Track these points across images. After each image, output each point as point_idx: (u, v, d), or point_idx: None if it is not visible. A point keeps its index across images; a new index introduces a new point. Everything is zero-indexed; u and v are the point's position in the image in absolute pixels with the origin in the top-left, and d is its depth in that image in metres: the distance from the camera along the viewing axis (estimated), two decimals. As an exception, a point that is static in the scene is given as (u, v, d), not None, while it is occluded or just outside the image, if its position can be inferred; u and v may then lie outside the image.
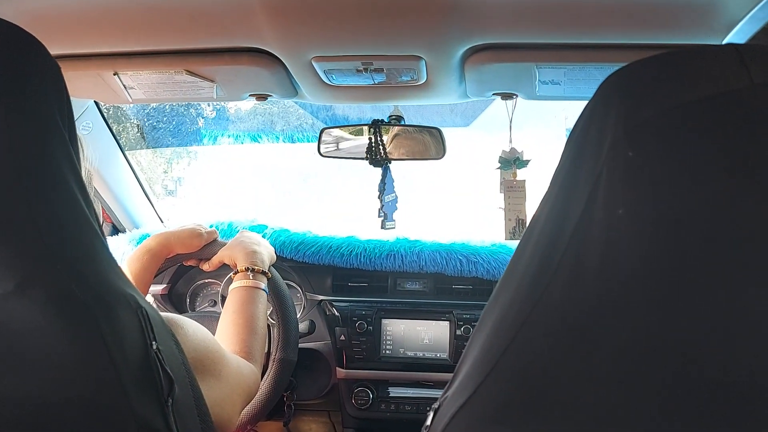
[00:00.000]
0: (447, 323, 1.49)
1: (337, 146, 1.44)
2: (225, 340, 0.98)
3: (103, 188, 1.61)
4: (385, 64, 1.03)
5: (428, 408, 1.40)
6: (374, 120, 1.35)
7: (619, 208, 0.36)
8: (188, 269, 1.54)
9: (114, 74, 1.09)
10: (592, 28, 0.89)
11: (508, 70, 1.04)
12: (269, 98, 1.25)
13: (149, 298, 1.47)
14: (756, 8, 0.77)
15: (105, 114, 1.57)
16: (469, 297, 1.54)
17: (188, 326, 0.74)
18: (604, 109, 0.40)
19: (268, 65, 1.05)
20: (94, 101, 1.48)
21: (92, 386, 0.48)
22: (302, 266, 1.57)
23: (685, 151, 0.34)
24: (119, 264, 0.56)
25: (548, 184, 0.44)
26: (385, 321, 1.50)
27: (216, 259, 1.21)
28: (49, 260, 0.48)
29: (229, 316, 1.03)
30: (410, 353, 1.49)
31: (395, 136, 1.40)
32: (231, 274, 1.15)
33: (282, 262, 1.52)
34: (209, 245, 1.24)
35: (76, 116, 0.68)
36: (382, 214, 1.42)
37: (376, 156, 1.37)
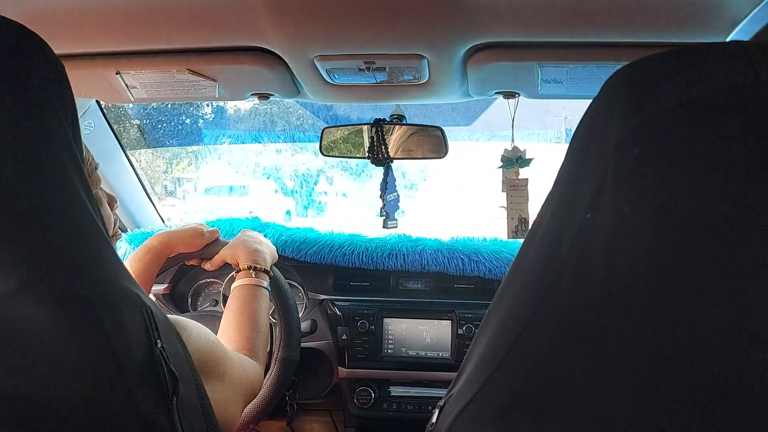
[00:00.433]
0: (449, 322, 1.48)
1: (339, 145, 1.44)
2: (228, 338, 0.98)
3: (105, 188, 1.61)
4: (388, 63, 1.03)
5: (431, 407, 1.40)
6: (376, 119, 1.35)
7: (625, 205, 0.36)
8: (190, 269, 1.54)
9: (116, 73, 1.09)
10: (595, 27, 0.89)
11: (511, 69, 1.04)
12: (271, 97, 1.25)
13: (151, 298, 1.47)
14: (759, 7, 0.77)
15: (106, 114, 1.57)
16: (471, 296, 1.53)
17: (192, 328, 0.74)
18: (609, 106, 0.40)
19: (270, 64, 1.05)
20: (96, 101, 1.48)
21: (97, 385, 0.48)
22: (304, 265, 1.57)
23: (691, 148, 0.34)
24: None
25: (552, 183, 0.44)
26: (386, 320, 1.50)
27: (218, 259, 1.21)
28: (53, 259, 0.48)
29: (231, 313, 1.03)
30: (412, 352, 1.49)
31: (397, 135, 1.40)
32: (233, 273, 1.15)
33: (284, 261, 1.51)
34: (211, 244, 1.24)
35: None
36: (384, 213, 1.42)
37: (378, 155, 1.37)
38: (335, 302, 1.53)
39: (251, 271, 1.11)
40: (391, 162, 1.40)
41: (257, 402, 1.19)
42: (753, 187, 0.32)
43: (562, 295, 0.38)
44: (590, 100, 0.42)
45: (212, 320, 1.28)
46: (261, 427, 1.61)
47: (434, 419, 0.48)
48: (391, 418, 1.50)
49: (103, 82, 1.13)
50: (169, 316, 0.68)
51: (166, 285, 1.53)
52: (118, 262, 0.54)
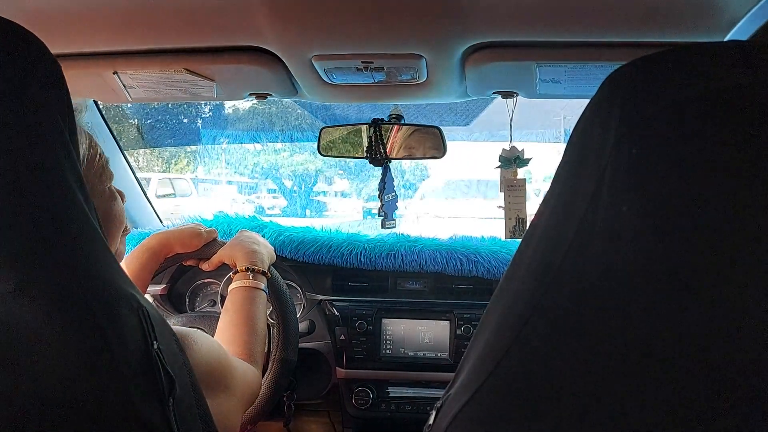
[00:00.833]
0: (447, 323, 1.48)
1: (337, 145, 1.44)
2: (226, 341, 0.97)
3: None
4: (386, 62, 1.03)
5: (429, 407, 1.40)
6: (374, 119, 1.35)
7: (623, 205, 0.35)
8: (187, 269, 1.54)
9: (113, 73, 1.09)
10: (593, 27, 0.89)
11: (509, 69, 1.04)
12: (269, 97, 1.25)
13: (148, 298, 1.47)
14: (756, 6, 0.77)
15: (104, 113, 1.56)
16: (470, 296, 1.53)
17: (200, 340, 0.74)
18: (608, 106, 0.40)
19: (268, 64, 1.05)
20: (94, 101, 1.47)
21: (93, 385, 0.48)
22: (302, 266, 1.57)
23: (689, 148, 0.34)
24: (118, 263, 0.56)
25: (550, 183, 0.44)
26: (385, 321, 1.50)
27: (216, 259, 1.21)
28: (50, 260, 0.47)
29: (229, 316, 1.03)
30: (410, 353, 1.49)
31: (395, 135, 1.40)
32: (231, 273, 1.15)
33: (282, 261, 1.51)
34: (209, 245, 1.24)
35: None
36: (383, 213, 1.42)
37: (376, 155, 1.37)
38: (333, 302, 1.53)
39: (249, 273, 1.11)
40: (390, 162, 1.39)
41: (255, 403, 1.19)
42: (751, 186, 0.32)
43: (559, 294, 0.38)
44: (588, 100, 0.42)
45: (210, 321, 1.28)
46: (259, 428, 1.60)
47: (431, 420, 0.48)
48: (389, 418, 1.50)
49: (101, 82, 1.13)
50: (177, 327, 0.69)
51: (164, 285, 1.53)
52: (115, 263, 0.54)
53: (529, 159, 1.25)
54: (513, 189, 1.24)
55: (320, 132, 1.44)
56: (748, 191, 0.32)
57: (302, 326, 1.45)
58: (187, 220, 1.67)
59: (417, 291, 1.58)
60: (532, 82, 1.07)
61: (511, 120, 1.22)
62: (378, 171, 1.44)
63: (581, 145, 0.41)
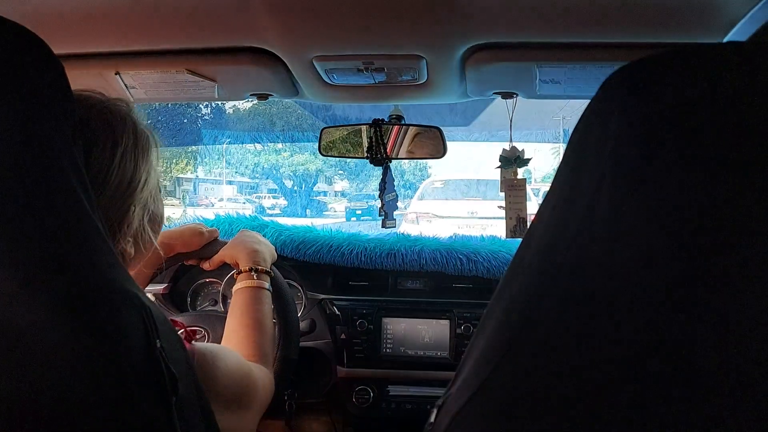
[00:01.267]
0: (447, 322, 1.49)
1: (338, 145, 1.44)
2: (237, 343, 0.98)
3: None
4: (386, 63, 1.03)
5: (429, 406, 1.40)
6: (374, 119, 1.36)
7: (623, 205, 0.36)
8: (189, 268, 1.54)
9: (116, 74, 1.09)
10: (593, 28, 0.90)
11: (509, 70, 1.04)
12: (270, 98, 1.25)
13: (149, 297, 1.47)
14: (756, 7, 0.77)
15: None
16: (470, 296, 1.54)
17: (228, 359, 0.76)
18: (608, 106, 0.40)
19: (269, 65, 1.06)
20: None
21: (96, 384, 0.48)
22: (303, 265, 1.57)
23: (688, 149, 0.34)
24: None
25: (551, 183, 0.44)
26: (385, 320, 1.50)
27: (217, 258, 1.21)
28: (53, 260, 0.48)
29: (236, 317, 1.03)
30: (411, 352, 1.49)
31: (395, 135, 1.40)
32: (233, 273, 1.15)
33: (282, 261, 1.52)
34: (210, 244, 1.24)
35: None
36: (383, 213, 1.42)
37: (377, 155, 1.37)
38: (334, 302, 1.53)
39: (252, 273, 1.11)
40: (390, 162, 1.40)
41: None
42: (751, 187, 0.33)
43: (560, 294, 0.38)
44: (588, 101, 0.43)
45: (211, 320, 1.28)
46: (259, 427, 1.61)
47: (432, 418, 0.48)
48: (389, 417, 1.50)
49: (103, 83, 1.13)
50: (205, 344, 0.71)
51: (165, 285, 1.53)
52: (117, 263, 0.55)
53: (529, 159, 1.26)
54: (513, 189, 1.24)
55: (321, 132, 1.44)
56: (749, 191, 0.33)
57: (303, 325, 1.45)
58: (188, 221, 1.68)
59: (417, 290, 1.59)
60: (532, 82, 1.07)
61: (511, 120, 1.23)
62: (377, 171, 1.44)
63: (581, 145, 0.42)
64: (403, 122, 1.35)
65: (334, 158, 1.46)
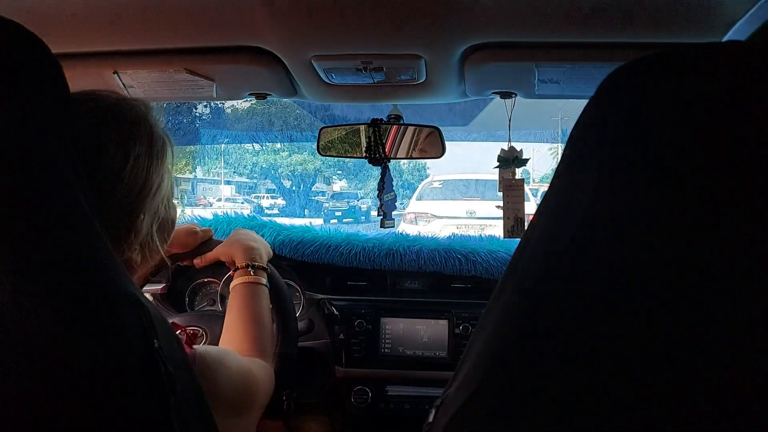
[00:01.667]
0: (446, 322, 1.49)
1: (337, 145, 1.44)
2: (236, 339, 0.98)
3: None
4: (385, 63, 1.03)
5: (428, 406, 1.39)
6: (373, 119, 1.36)
7: (623, 205, 0.36)
8: (187, 268, 1.54)
9: (114, 73, 1.09)
10: (591, 27, 0.90)
11: (508, 69, 1.04)
12: (268, 97, 1.25)
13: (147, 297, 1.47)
14: (754, 8, 0.77)
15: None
16: (468, 295, 1.54)
17: (229, 361, 0.76)
18: (606, 106, 0.40)
19: (267, 64, 1.06)
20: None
21: (93, 384, 0.48)
22: (301, 265, 1.57)
23: (688, 147, 0.34)
24: None
25: (549, 183, 0.44)
26: (384, 320, 1.50)
27: (211, 255, 1.21)
28: (50, 259, 0.48)
29: (235, 313, 1.03)
30: (409, 352, 1.49)
31: (394, 135, 1.40)
32: (231, 272, 1.15)
33: (281, 261, 1.52)
34: (204, 243, 1.24)
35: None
36: (382, 213, 1.42)
37: (376, 155, 1.37)
38: (332, 302, 1.53)
39: (249, 269, 1.11)
40: (389, 162, 1.40)
41: None
42: (752, 183, 0.33)
43: (559, 293, 0.38)
44: (586, 100, 0.43)
45: (209, 320, 1.28)
46: (258, 427, 1.60)
47: (431, 418, 0.48)
48: (388, 417, 1.50)
49: (101, 82, 1.13)
50: (211, 347, 0.70)
51: (163, 285, 1.53)
52: (116, 263, 0.54)
53: (527, 159, 1.26)
54: (511, 189, 1.24)
55: (320, 132, 1.44)
56: (750, 188, 0.33)
57: (301, 325, 1.45)
58: (185, 220, 1.67)
59: (416, 290, 1.59)
60: (531, 82, 1.08)
61: (509, 120, 1.23)
62: (375, 171, 1.44)
63: (581, 145, 0.42)
64: (401, 122, 1.35)
65: (332, 158, 1.45)
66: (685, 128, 0.35)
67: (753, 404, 0.32)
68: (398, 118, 1.35)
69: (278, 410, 1.44)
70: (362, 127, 1.39)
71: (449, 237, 1.63)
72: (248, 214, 1.69)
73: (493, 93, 1.18)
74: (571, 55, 0.98)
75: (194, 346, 0.73)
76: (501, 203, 1.26)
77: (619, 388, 0.35)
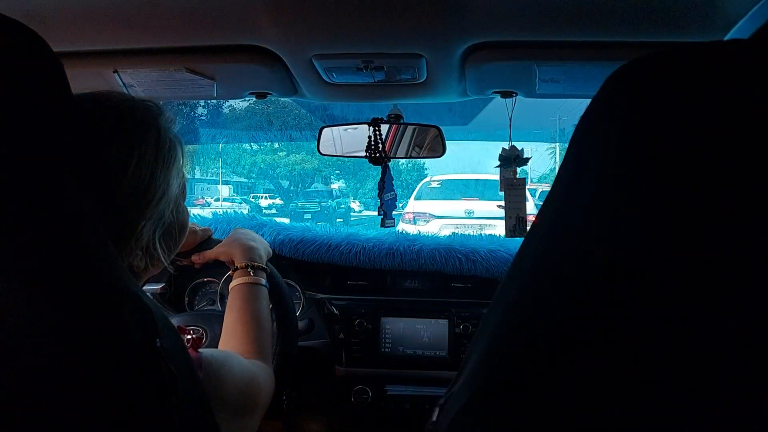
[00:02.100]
0: (446, 321, 1.49)
1: (337, 144, 1.44)
2: (235, 340, 0.98)
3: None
4: (386, 62, 1.03)
5: (428, 405, 1.39)
6: (374, 118, 1.36)
7: (627, 204, 0.36)
8: (186, 268, 1.54)
9: (114, 72, 1.09)
10: (593, 26, 0.90)
11: (508, 68, 1.04)
12: (268, 96, 1.25)
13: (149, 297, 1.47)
14: (756, 6, 0.77)
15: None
16: (468, 295, 1.54)
17: (232, 365, 0.76)
18: (609, 106, 0.40)
19: (268, 63, 1.05)
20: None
21: (95, 384, 0.48)
22: (301, 264, 1.57)
23: (690, 147, 0.34)
24: None
25: (552, 184, 0.44)
26: (384, 319, 1.50)
27: (211, 254, 1.20)
28: (53, 259, 0.47)
29: (235, 314, 1.03)
30: (409, 351, 1.49)
31: (394, 134, 1.40)
32: (230, 271, 1.15)
33: (281, 260, 1.51)
34: (204, 243, 1.24)
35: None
36: (382, 212, 1.42)
37: (376, 154, 1.37)
38: (332, 301, 1.53)
39: (249, 269, 1.11)
40: (389, 161, 1.40)
41: None
42: (754, 182, 0.33)
43: (563, 294, 0.38)
44: (587, 100, 0.43)
45: (209, 319, 1.28)
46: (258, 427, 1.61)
47: (434, 417, 0.48)
48: (388, 416, 1.50)
49: (101, 81, 1.13)
50: (214, 351, 0.70)
51: (163, 285, 1.53)
52: (117, 262, 0.54)
53: (528, 158, 1.26)
54: (513, 188, 1.24)
55: (320, 131, 1.44)
56: (751, 187, 0.33)
57: (301, 325, 1.45)
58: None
59: (416, 290, 1.59)
60: (532, 81, 1.08)
61: (510, 120, 1.23)
62: (374, 171, 1.44)
63: (583, 145, 0.42)
64: (401, 121, 1.35)
65: (331, 157, 1.45)
66: (688, 126, 0.35)
67: (754, 404, 0.32)
68: (398, 117, 1.35)
69: (278, 410, 1.44)
70: (362, 127, 1.39)
71: (449, 236, 1.63)
72: (248, 213, 1.69)
73: (493, 92, 1.19)
74: (572, 54, 0.98)
75: (199, 350, 0.72)
76: (501, 202, 1.26)
77: (624, 386, 0.35)
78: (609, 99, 0.40)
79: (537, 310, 0.40)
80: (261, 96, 1.23)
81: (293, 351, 1.23)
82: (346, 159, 1.49)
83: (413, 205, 8.97)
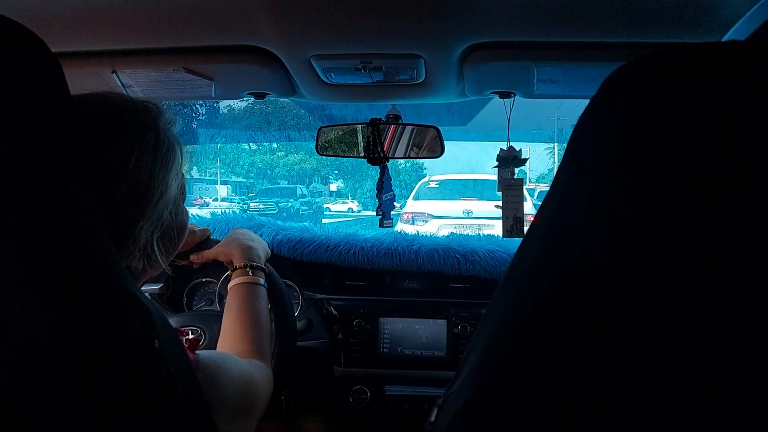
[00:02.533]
0: (444, 321, 1.49)
1: (335, 145, 1.44)
2: (234, 340, 0.98)
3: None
4: (384, 62, 1.03)
5: (426, 405, 1.39)
6: (372, 119, 1.36)
7: (626, 205, 0.36)
8: (184, 268, 1.54)
9: (112, 72, 1.09)
10: (591, 27, 0.90)
11: (507, 69, 1.04)
12: (267, 97, 1.25)
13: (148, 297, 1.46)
14: (755, 7, 0.77)
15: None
16: (467, 295, 1.54)
17: (230, 366, 0.76)
18: (607, 106, 0.40)
19: (266, 63, 1.05)
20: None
21: (94, 384, 0.48)
22: (299, 265, 1.57)
23: (689, 147, 0.34)
24: None
25: (550, 184, 0.45)
26: (382, 319, 1.50)
27: (210, 254, 1.20)
28: (52, 259, 0.47)
29: (233, 314, 1.02)
30: (408, 351, 1.49)
31: (393, 134, 1.40)
32: (229, 272, 1.15)
33: (279, 260, 1.51)
34: (202, 243, 1.24)
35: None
36: (381, 212, 1.42)
37: (374, 155, 1.37)
38: (331, 301, 1.53)
39: (247, 269, 1.11)
40: (387, 161, 1.40)
41: None
42: (751, 183, 0.33)
43: (562, 294, 0.38)
44: (585, 100, 0.43)
45: (208, 320, 1.28)
46: (257, 427, 1.60)
47: (433, 417, 0.48)
48: (386, 417, 1.50)
49: (100, 81, 1.13)
50: (211, 352, 0.70)
51: (161, 285, 1.53)
52: (117, 263, 0.54)
53: (527, 159, 1.26)
54: (510, 188, 1.24)
55: (318, 131, 1.44)
56: (750, 188, 0.33)
57: (300, 325, 1.45)
58: None
59: (414, 290, 1.59)
60: (530, 82, 1.08)
61: (509, 120, 1.23)
62: (373, 171, 1.44)
63: (582, 146, 0.42)
64: (400, 122, 1.35)
65: (329, 158, 1.45)
66: (686, 127, 0.35)
67: (754, 404, 0.32)
68: (397, 117, 1.35)
69: (277, 410, 1.44)
70: (361, 127, 1.39)
71: (448, 236, 1.63)
72: (247, 213, 1.69)
73: (492, 93, 1.19)
74: (570, 54, 0.98)
75: (197, 352, 0.72)
76: (499, 203, 1.26)
77: (622, 386, 0.35)
78: (607, 99, 0.40)
79: (536, 311, 0.40)
80: (259, 96, 1.23)
81: (292, 351, 1.23)
82: (344, 159, 1.49)
83: (412, 205, 8.97)
